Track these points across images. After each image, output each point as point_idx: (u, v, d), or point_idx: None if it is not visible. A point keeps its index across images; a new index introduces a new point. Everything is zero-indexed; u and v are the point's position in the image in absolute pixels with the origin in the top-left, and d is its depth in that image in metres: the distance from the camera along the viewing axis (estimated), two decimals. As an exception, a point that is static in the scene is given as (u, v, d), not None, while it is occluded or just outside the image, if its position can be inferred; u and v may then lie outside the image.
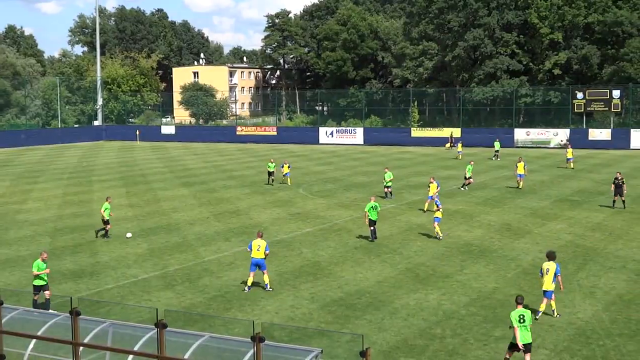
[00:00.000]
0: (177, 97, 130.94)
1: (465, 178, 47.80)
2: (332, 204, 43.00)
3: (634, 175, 54.39)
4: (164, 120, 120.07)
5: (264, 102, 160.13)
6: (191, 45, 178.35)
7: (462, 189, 47.47)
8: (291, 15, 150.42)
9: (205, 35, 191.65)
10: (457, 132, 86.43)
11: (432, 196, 38.03)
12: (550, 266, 21.27)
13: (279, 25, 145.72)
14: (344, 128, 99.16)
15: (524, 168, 47.30)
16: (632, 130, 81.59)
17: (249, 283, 24.72)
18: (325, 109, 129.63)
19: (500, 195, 45.16)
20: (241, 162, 69.93)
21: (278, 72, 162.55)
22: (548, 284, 21.21)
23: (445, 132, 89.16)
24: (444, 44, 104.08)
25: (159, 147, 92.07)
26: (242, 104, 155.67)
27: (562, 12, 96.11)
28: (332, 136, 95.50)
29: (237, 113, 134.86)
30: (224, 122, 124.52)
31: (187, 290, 24.80)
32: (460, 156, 69.40)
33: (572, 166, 58.96)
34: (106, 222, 33.56)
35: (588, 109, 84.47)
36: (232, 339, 15.24)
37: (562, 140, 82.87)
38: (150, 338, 14.36)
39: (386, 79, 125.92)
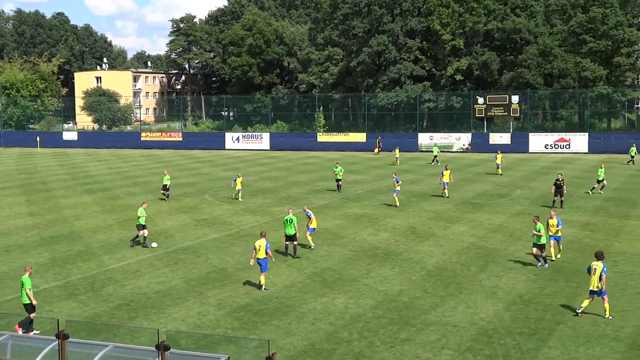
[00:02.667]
0: (79, 102, 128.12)
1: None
2: (239, 209, 42.83)
3: (533, 178, 56.09)
4: (65, 126, 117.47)
5: (169, 108, 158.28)
6: (94, 49, 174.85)
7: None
8: (196, 20, 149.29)
9: (108, 40, 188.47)
10: (361, 137, 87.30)
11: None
12: (597, 266, 21.71)
13: (183, 30, 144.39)
14: (250, 133, 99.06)
15: (450, 176, 47.30)
16: (530, 134, 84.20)
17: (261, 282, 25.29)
18: (231, 114, 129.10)
19: (405, 199, 45.78)
20: (146, 169, 68.93)
21: (183, 77, 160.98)
22: (595, 283, 21.61)
23: (350, 137, 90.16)
24: (349, 50, 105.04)
25: (61, 154, 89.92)
26: (147, 109, 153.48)
27: (463, 19, 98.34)
28: (239, 141, 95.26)
29: (142, 119, 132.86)
30: (128, 127, 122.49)
31: (90, 300, 24.28)
32: (399, 162, 69.88)
33: (500, 172, 58.56)
34: (142, 228, 32.42)
35: (489, 113, 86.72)
36: (137, 348, 15.03)
37: (464, 145, 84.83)
38: (52, 350, 14.02)
39: (292, 84, 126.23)
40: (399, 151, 72.83)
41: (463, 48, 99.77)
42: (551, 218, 28.81)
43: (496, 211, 40.67)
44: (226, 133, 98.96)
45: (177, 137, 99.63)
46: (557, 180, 41.70)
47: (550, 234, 28.61)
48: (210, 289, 25.45)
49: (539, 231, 27.41)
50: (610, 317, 21.57)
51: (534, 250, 27.78)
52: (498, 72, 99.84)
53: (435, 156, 70.71)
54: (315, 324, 21.61)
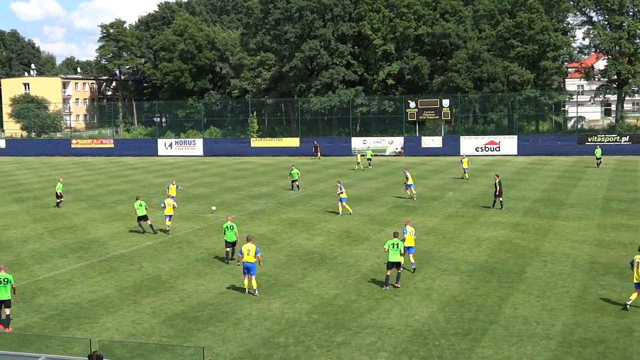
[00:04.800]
0: (6, 109, 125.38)
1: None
2: (173, 216, 42.37)
3: (464, 181, 56.90)
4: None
5: (100, 114, 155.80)
6: (21, 55, 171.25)
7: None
8: (126, 25, 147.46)
9: (36, 45, 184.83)
10: (294, 141, 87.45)
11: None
12: None
13: (113, 35, 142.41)
14: (183, 139, 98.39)
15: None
16: (461, 137, 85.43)
17: (245, 286, 25.25)
18: (163, 120, 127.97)
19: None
20: (77, 176, 67.80)
21: (114, 83, 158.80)
22: (639, 277, 22.13)
23: (284, 142, 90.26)
24: (281, 55, 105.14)
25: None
26: (77, 116, 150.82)
27: (393, 24, 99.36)
28: (171, 148, 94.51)
29: (72, 125, 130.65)
30: (58, 134, 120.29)
31: (21, 311, 23.76)
32: (370, 165, 69.98)
33: (467, 176, 58.29)
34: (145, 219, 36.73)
35: (420, 117, 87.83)
36: (70, 359, 14.78)
37: (397, 148, 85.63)
38: (-19, 363, 13.72)
39: (225, 90, 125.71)
40: (361, 156, 72.57)
41: (394, 53, 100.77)
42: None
43: (429, 214, 41.14)
44: (159, 139, 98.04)
45: (109, 144, 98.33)
46: (496, 181, 42.47)
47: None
48: (144, 297, 25.18)
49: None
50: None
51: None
52: (429, 76, 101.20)
53: (369, 159, 71.37)
54: (252, 329, 21.56)
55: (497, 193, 42.24)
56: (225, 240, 29.93)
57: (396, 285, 25.42)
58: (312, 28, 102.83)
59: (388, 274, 25.41)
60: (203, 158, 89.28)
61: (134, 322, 22.46)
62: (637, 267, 22.18)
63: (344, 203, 41.61)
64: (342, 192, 41.58)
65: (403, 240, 26.67)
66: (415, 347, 19.85)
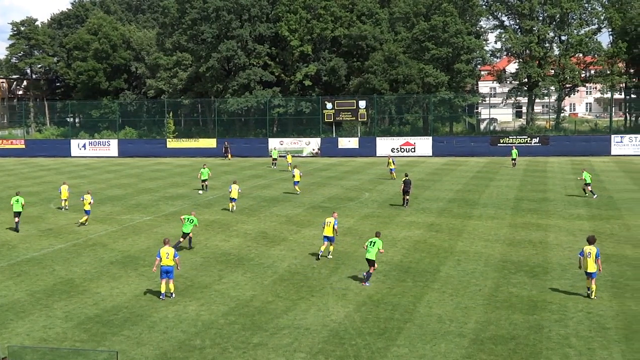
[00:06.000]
0: None
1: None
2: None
3: (380, 182, 57.53)
4: None
5: (10, 114, 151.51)
6: None
7: None
8: (38, 23, 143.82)
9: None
10: (211, 142, 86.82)
11: None
12: (591, 250, 23.76)
13: (24, 33, 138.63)
14: (97, 140, 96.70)
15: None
16: (377, 138, 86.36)
17: (162, 290, 24.83)
18: (77, 120, 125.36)
19: (257, 204, 45.97)
20: (-14, 178, 65.91)
21: (25, 83, 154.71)
22: (592, 266, 23.63)
23: (201, 142, 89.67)
24: (198, 55, 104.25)
25: None
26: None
27: (310, 25, 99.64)
28: (85, 148, 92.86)
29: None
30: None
31: None
32: (274, 165, 69.62)
33: (394, 176, 58.76)
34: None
35: (337, 118, 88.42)
36: (-22, 366, 14.36)
37: (314, 149, 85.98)
38: None
39: (140, 90, 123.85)
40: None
41: (311, 54, 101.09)
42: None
43: (345, 214, 41.40)
44: (72, 140, 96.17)
45: (20, 145, 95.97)
46: (405, 180, 44.14)
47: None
48: (56, 301, 24.64)
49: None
50: (595, 298, 23.77)
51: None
52: (346, 77, 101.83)
53: (275, 159, 72.25)
54: (167, 332, 21.34)
55: (405, 190, 43.75)
56: (183, 232, 32.13)
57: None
58: (229, 28, 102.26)
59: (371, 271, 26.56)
60: (118, 159, 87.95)
61: (45, 326, 21.95)
62: (588, 258, 23.70)
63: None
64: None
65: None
66: (332, 347, 19.96)
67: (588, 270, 23.81)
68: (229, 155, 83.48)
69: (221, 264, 29.81)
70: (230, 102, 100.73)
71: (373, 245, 26.13)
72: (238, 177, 60.54)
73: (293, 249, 32.26)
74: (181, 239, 32.21)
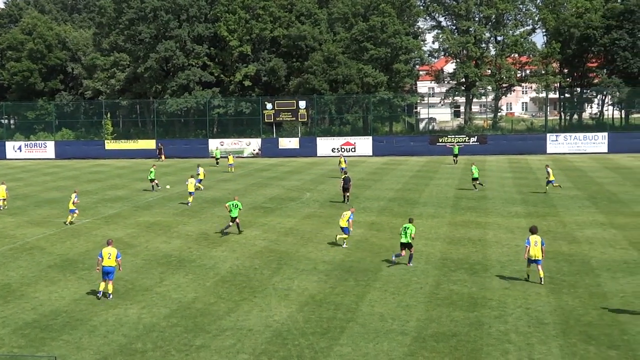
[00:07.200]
0: None
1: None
2: (23, 221, 40.92)
3: (321, 181, 57.69)
4: None
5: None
6: None
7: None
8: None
9: None
10: (150, 143, 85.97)
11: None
12: (537, 239, 25.52)
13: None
14: (33, 142, 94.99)
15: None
16: (318, 138, 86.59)
17: (101, 289, 24.90)
18: (12, 122, 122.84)
19: (198, 205, 45.69)
20: None
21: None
22: (538, 254, 25.37)
23: (140, 144, 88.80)
24: (135, 56, 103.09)
25: None
26: None
27: (249, 25, 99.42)
28: (21, 151, 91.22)
29: None
30: None
31: None
32: (232, 169, 68.65)
33: (343, 176, 58.71)
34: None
35: (277, 119, 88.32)
36: None
37: (254, 150, 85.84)
38: None
39: (77, 91, 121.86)
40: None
41: (251, 54, 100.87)
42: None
43: (287, 215, 41.44)
44: (7, 142, 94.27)
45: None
46: (344, 177, 45.99)
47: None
48: (-7, 306, 24.17)
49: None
50: (542, 284, 25.37)
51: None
52: (285, 78, 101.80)
53: (217, 159, 73.09)
54: (108, 336, 21.09)
55: (344, 187, 45.40)
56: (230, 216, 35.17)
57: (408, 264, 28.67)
58: (167, 28, 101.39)
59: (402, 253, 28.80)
60: (55, 161, 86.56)
61: (-18, 333, 21.52)
62: (535, 246, 25.40)
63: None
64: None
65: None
66: (275, 347, 19.97)
67: (536, 258, 25.41)
68: (163, 157, 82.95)
69: (162, 266, 29.56)
70: (169, 102, 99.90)
71: (406, 231, 28.33)
72: (178, 179, 60.18)
73: (235, 250, 32.17)
74: (230, 223, 35.39)
